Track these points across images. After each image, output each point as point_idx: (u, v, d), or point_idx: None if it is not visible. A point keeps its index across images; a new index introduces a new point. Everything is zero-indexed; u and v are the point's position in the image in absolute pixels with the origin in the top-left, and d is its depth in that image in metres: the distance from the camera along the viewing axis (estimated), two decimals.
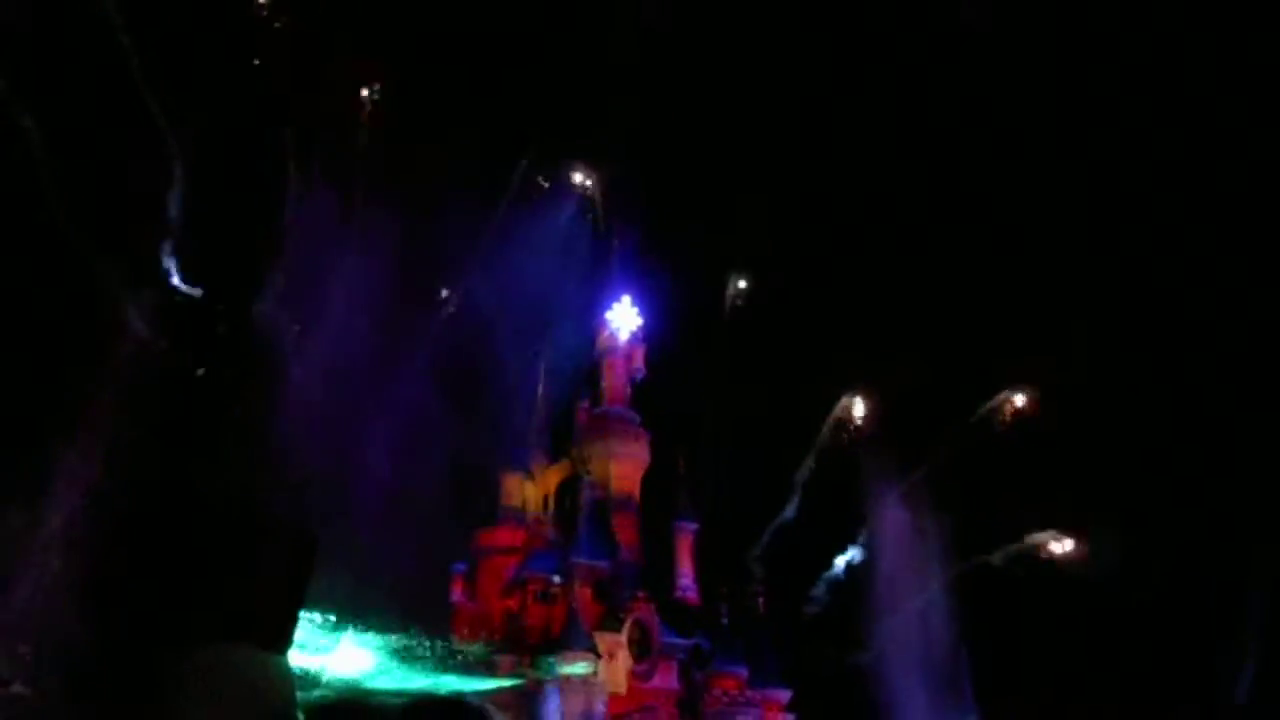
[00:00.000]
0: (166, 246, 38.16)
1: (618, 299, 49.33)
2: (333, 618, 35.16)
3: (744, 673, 42.06)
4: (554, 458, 49.20)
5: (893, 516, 48.85)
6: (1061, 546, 48.30)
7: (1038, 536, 49.36)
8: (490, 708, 33.55)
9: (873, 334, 52.17)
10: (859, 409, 50.76)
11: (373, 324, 41.98)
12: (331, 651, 34.49)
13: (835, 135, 55.16)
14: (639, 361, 49.04)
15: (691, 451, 48.85)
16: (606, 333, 48.88)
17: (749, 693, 41.83)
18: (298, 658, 28.36)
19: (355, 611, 36.11)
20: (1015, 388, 50.26)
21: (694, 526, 46.50)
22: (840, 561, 50.41)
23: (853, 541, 50.62)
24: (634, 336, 49.09)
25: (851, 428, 51.01)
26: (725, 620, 44.08)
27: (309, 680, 30.96)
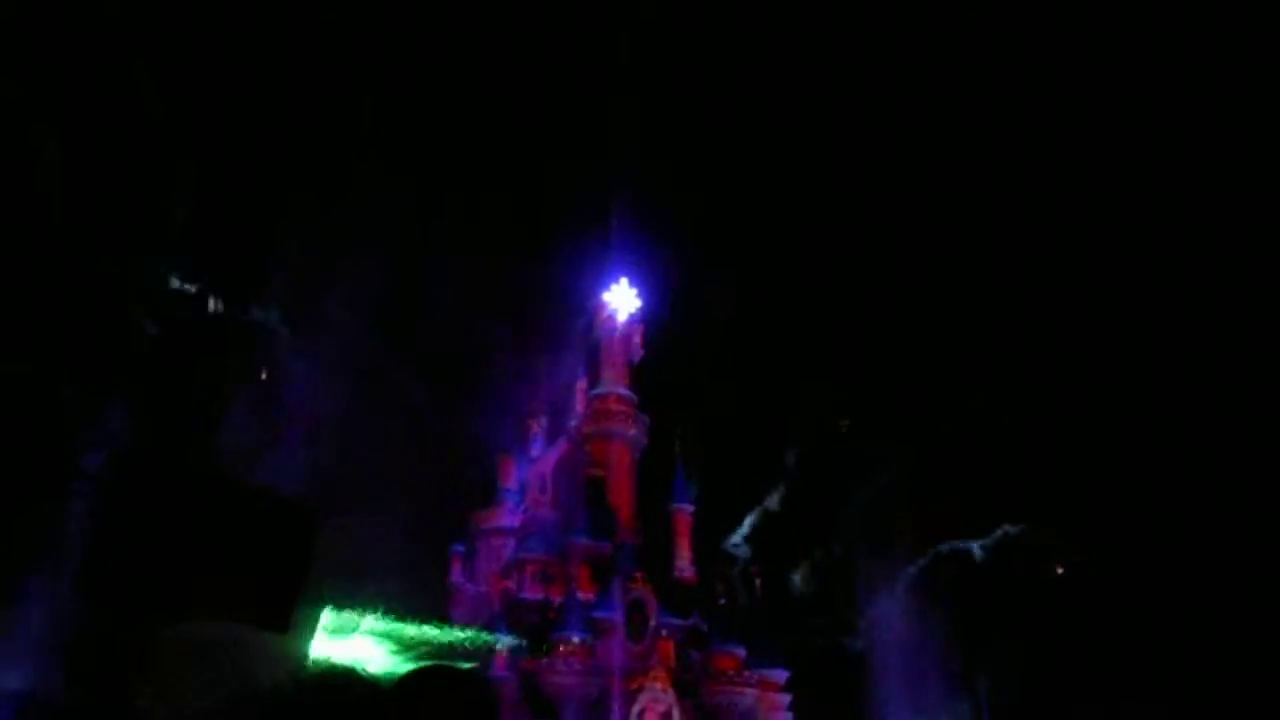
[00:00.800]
0: (169, 242, 38.33)
1: (616, 280, 49.29)
2: (333, 605, 35.26)
3: (742, 653, 42.21)
4: (552, 439, 49.28)
5: (871, 508, 49.44)
6: (1037, 539, 48.96)
7: (1013, 529, 49.92)
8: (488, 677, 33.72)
9: (860, 332, 52.44)
10: (841, 404, 51.30)
11: (369, 319, 42.20)
12: (331, 638, 34.61)
13: (832, 133, 55.29)
14: (637, 343, 49.03)
15: (689, 433, 49.04)
16: (605, 314, 48.83)
17: (747, 673, 41.99)
18: (297, 644, 28.54)
19: (354, 599, 36.26)
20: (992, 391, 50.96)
21: (691, 508, 46.58)
22: (813, 552, 50.97)
23: (832, 530, 51.18)
24: (632, 318, 49.07)
25: (837, 423, 51.44)
26: (723, 601, 44.26)
27: (308, 663, 31.12)
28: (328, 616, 34.28)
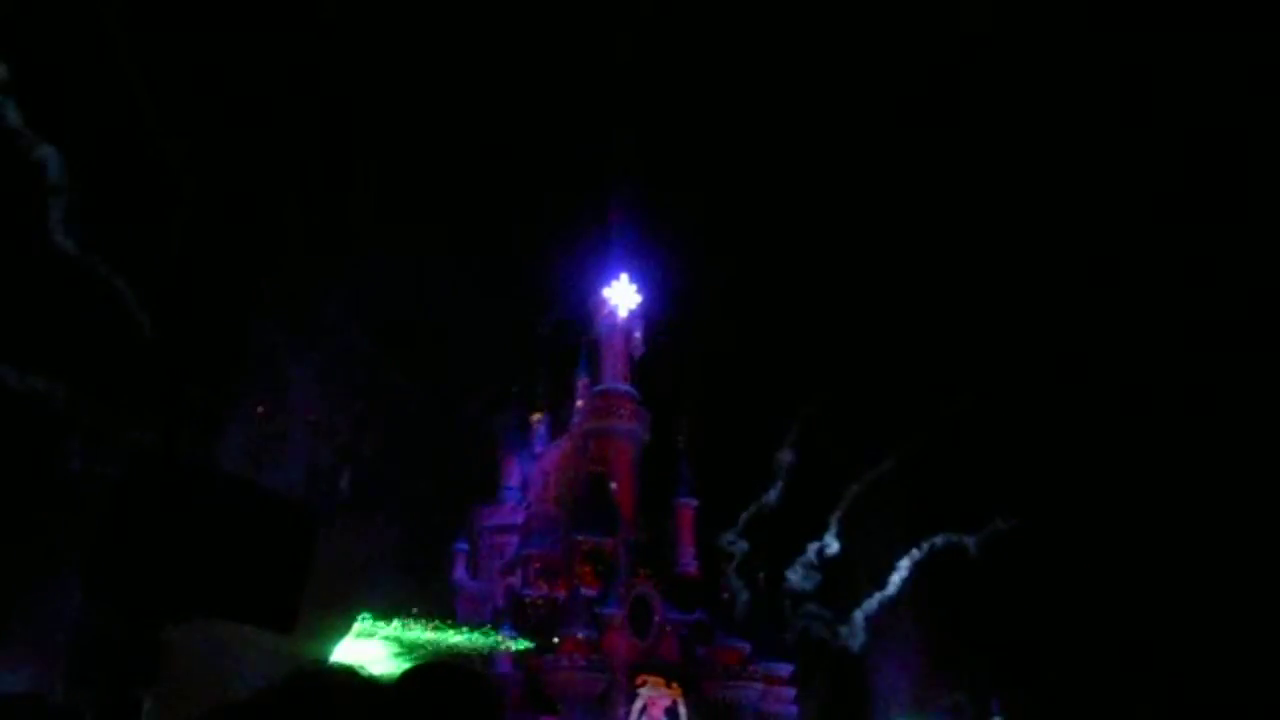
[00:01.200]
0: (168, 255, 38.70)
1: (616, 276, 49.21)
2: (335, 608, 35.23)
3: (746, 647, 42.24)
4: (554, 436, 49.31)
5: (862, 504, 49.95)
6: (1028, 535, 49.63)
7: (1003, 524, 50.36)
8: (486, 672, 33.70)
9: (846, 331, 52.60)
10: (830, 402, 51.84)
11: (367, 321, 42.38)
12: (337, 644, 34.63)
13: (826, 129, 55.29)
14: (638, 338, 48.93)
15: (691, 428, 49.08)
16: (605, 310, 48.75)
17: (752, 667, 42.02)
18: (306, 646, 28.56)
19: (353, 602, 36.26)
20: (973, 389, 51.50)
21: (694, 503, 46.63)
22: (814, 547, 51.28)
23: (826, 527, 51.60)
24: (633, 313, 48.97)
25: (824, 420, 51.91)
26: (726, 595, 44.32)
27: (314, 664, 31.10)
28: (337, 619, 34.27)
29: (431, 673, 3.97)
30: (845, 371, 51.10)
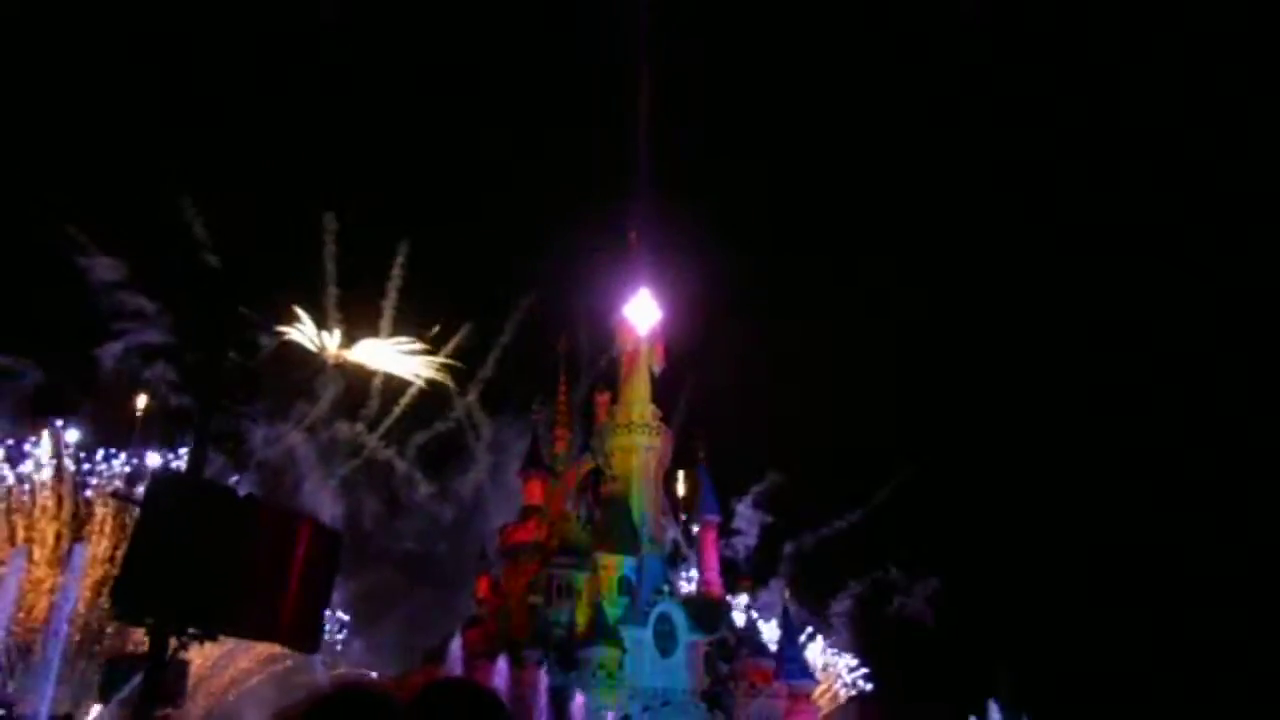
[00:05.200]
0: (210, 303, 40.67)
1: (636, 292, 49.20)
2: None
3: (771, 664, 41.96)
4: (576, 454, 49.24)
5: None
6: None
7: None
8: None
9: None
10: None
11: None
12: None
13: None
14: (659, 355, 48.86)
15: (713, 444, 49.09)
16: (625, 326, 48.71)
17: (776, 684, 41.74)
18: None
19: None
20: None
21: (717, 519, 46.45)
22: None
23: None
24: (653, 329, 48.93)
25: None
26: (751, 612, 44.10)
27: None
28: None
29: (449, 687, 4.18)
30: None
